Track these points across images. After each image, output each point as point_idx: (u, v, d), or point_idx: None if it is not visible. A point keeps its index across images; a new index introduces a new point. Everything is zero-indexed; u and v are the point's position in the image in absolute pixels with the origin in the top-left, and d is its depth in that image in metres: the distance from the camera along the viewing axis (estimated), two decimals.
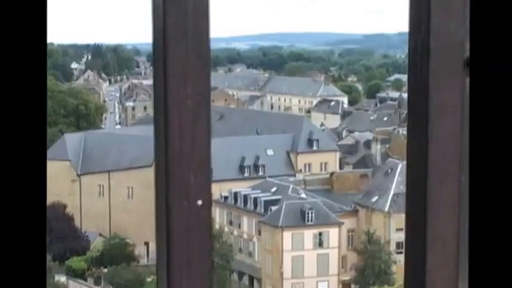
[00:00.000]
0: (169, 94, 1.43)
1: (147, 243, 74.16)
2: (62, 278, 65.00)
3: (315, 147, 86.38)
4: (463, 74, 1.57)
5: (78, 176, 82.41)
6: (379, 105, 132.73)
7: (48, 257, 61.68)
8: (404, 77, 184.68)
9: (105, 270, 66.30)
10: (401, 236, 67.70)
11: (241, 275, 70.19)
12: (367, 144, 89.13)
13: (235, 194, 72.18)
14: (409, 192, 1.64)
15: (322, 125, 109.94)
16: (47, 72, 1.53)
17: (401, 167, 70.32)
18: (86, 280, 66.68)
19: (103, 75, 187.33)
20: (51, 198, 74.33)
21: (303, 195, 69.58)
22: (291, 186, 71.22)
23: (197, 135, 1.43)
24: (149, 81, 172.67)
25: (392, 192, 69.26)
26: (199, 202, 1.45)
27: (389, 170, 72.63)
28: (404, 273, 1.66)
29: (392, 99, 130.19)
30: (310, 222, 66.61)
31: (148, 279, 62.98)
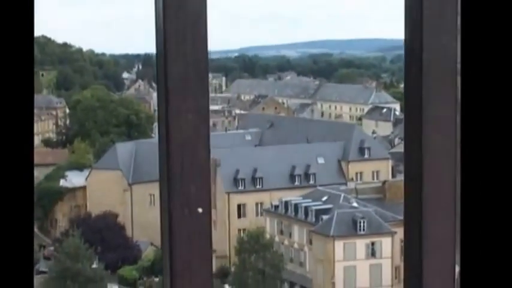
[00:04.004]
0: (170, 110, 1.52)
1: None
2: (114, 287, 65.76)
3: (366, 156, 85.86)
4: (455, 86, 1.64)
5: (130, 185, 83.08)
6: None
7: (101, 266, 62.46)
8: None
9: (157, 279, 66.76)
10: None
11: (292, 285, 69.88)
12: None
13: (286, 203, 71.94)
14: (406, 202, 1.71)
15: (373, 132, 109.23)
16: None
17: None
18: None
19: (154, 84, 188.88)
20: (102, 207, 75.25)
21: (355, 204, 69.00)
22: (343, 195, 70.62)
23: (197, 148, 1.52)
24: None
25: None
26: (200, 210, 1.54)
27: None
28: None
29: None
30: (362, 232, 65.93)
31: None
